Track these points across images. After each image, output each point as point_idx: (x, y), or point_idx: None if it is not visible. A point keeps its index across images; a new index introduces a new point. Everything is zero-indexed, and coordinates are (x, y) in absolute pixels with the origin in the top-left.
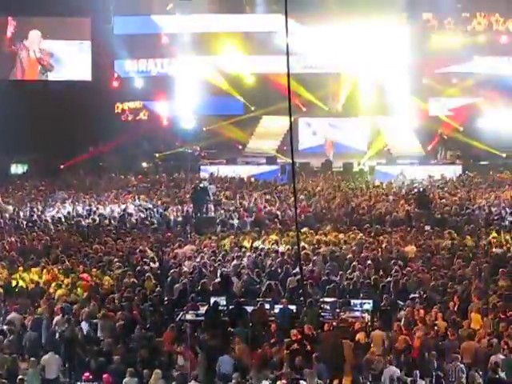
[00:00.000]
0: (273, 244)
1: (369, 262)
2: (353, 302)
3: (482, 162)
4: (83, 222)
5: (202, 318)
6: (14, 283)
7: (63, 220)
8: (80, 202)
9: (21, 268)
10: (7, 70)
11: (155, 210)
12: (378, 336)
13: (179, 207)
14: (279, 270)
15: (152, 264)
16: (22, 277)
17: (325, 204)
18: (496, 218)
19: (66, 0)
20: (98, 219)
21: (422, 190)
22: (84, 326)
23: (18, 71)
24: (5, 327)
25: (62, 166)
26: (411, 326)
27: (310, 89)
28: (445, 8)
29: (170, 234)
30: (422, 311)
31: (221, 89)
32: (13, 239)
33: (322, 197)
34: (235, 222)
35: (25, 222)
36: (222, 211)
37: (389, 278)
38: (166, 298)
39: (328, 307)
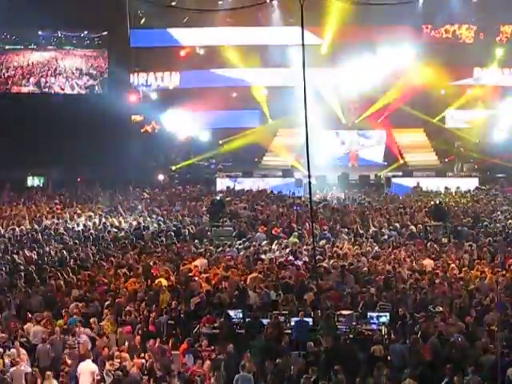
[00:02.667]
0: (289, 256)
1: (386, 274)
2: (369, 314)
3: (499, 175)
4: (99, 235)
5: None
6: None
7: (80, 233)
8: (96, 215)
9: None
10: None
11: (171, 223)
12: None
13: (195, 220)
14: (295, 283)
15: (169, 277)
16: (39, 290)
17: (341, 217)
18: None
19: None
20: (114, 232)
21: (438, 202)
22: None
23: None
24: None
25: (78, 179)
26: (427, 339)
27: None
28: (462, 18)
29: (183, 247)
30: (439, 323)
31: (237, 101)
32: (29, 252)
33: (339, 209)
34: (252, 234)
35: (41, 235)
36: (239, 224)
37: (405, 291)
38: (182, 311)
39: (344, 320)
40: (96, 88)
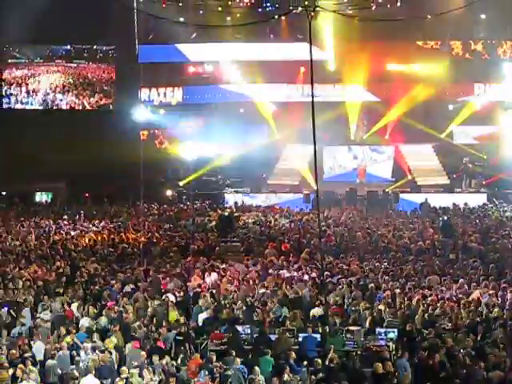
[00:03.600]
0: (297, 272)
1: (393, 290)
2: (377, 330)
3: (507, 191)
4: (106, 251)
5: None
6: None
7: (88, 248)
8: (105, 230)
9: (46, 297)
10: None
11: (179, 239)
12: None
13: (203, 235)
14: (303, 298)
15: (176, 293)
16: (48, 305)
17: (349, 233)
18: None
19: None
20: (122, 248)
21: (446, 218)
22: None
23: None
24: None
25: (86, 195)
26: (435, 354)
27: (335, 117)
28: (470, 35)
29: (191, 262)
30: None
31: (245, 116)
32: (37, 268)
33: (347, 225)
34: (260, 250)
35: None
36: (247, 240)
37: (413, 307)
38: (190, 327)
39: (352, 336)
40: (109, 106)
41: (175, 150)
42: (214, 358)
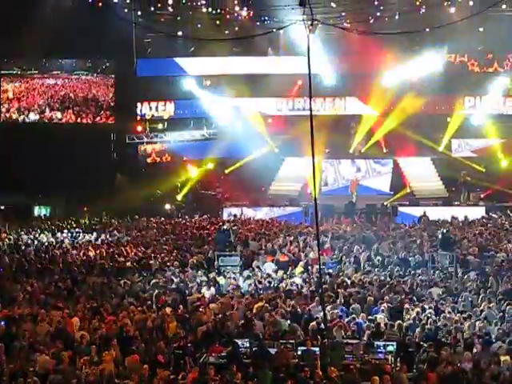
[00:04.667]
0: (296, 285)
1: (392, 303)
2: (376, 343)
3: (506, 204)
4: (105, 265)
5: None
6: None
7: (87, 262)
8: (104, 244)
9: (43, 311)
10: None
11: (177, 253)
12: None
13: (201, 249)
14: (302, 312)
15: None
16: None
17: (347, 246)
18: None
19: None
20: (121, 261)
21: (445, 231)
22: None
23: None
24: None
25: (85, 209)
26: (435, 368)
27: (334, 130)
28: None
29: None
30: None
31: (243, 131)
32: (34, 281)
33: (345, 238)
34: (259, 264)
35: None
36: (245, 253)
37: (412, 320)
38: (189, 340)
39: (351, 349)
40: (108, 120)
41: (174, 163)
42: (213, 371)
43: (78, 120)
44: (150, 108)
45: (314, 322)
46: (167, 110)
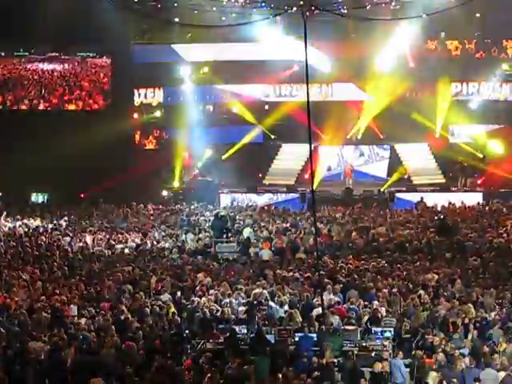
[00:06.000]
0: (293, 272)
1: (390, 289)
2: (374, 329)
3: (503, 190)
4: (104, 251)
5: (223, 347)
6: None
7: (83, 249)
8: (100, 231)
9: (43, 297)
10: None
11: (175, 239)
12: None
13: (199, 236)
14: (300, 298)
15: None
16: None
17: (345, 232)
18: None
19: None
20: (118, 248)
21: (442, 217)
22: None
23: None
24: None
25: (82, 196)
26: (431, 354)
27: (331, 117)
28: (467, 34)
29: (186, 262)
30: (442, 339)
31: (240, 117)
32: (31, 268)
33: (342, 225)
34: (256, 250)
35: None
36: (242, 240)
37: (410, 306)
38: (186, 327)
39: (349, 335)
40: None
41: (171, 149)
42: (210, 358)
43: (74, 107)
44: (139, 95)
45: (313, 307)
46: (156, 96)
